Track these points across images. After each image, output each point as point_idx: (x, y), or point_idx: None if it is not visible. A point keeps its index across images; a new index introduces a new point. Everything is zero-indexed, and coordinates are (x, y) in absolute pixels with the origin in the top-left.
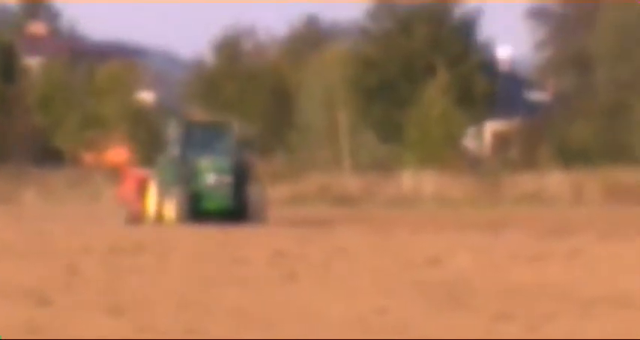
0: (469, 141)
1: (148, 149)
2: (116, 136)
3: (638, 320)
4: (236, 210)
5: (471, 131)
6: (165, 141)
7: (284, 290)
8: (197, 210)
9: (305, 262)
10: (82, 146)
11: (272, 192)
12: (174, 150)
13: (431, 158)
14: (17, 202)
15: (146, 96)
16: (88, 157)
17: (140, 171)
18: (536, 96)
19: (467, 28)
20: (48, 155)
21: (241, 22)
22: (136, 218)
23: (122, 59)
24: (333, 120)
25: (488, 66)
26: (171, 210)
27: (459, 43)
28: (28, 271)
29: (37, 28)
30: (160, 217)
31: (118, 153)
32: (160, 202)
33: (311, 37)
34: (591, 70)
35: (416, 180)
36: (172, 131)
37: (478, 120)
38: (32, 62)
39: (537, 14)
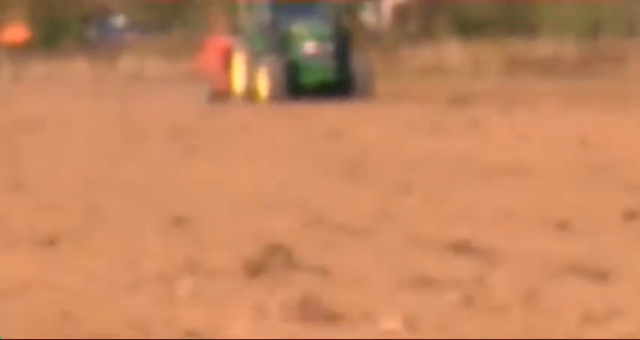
0: (368, 16)
1: (47, 27)
2: (14, 15)
3: (535, 187)
4: (339, 83)
5: (369, 6)
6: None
7: (184, 165)
8: (294, 84)
9: (206, 138)
10: None
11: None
12: (262, 15)
13: None
14: None
15: None
16: None
17: (224, 40)
18: None
19: None
20: None
21: None
22: (222, 94)
23: None
24: None
25: None
26: (264, 84)
27: None
28: None
29: None
30: (250, 93)
31: (15, 31)
32: (250, 75)
33: None
34: None
35: None
36: None
37: None
38: None
39: None
